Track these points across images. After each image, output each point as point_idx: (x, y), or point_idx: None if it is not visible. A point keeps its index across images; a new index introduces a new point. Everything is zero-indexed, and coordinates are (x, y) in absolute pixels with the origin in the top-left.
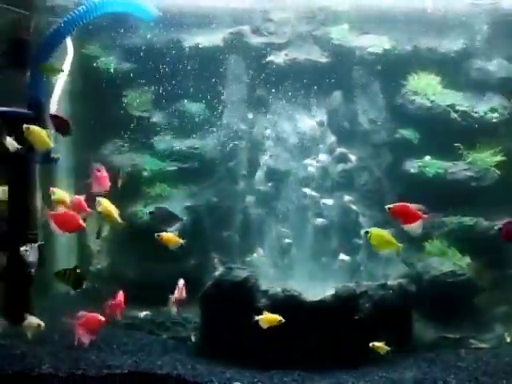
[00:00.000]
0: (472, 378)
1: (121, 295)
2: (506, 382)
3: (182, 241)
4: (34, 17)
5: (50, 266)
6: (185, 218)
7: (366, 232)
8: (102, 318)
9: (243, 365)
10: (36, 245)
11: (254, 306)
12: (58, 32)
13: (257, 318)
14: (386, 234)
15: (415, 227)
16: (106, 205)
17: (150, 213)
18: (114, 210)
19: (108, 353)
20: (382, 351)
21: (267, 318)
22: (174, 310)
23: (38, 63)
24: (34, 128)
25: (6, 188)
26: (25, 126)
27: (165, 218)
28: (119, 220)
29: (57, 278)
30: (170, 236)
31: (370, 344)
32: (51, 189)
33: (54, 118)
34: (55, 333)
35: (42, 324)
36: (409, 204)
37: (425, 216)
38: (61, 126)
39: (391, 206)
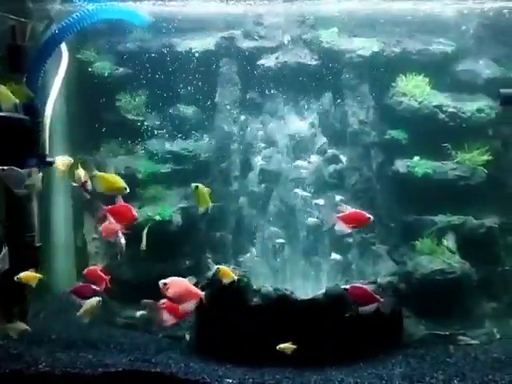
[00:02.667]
0: (459, 373)
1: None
2: (492, 377)
3: (40, 276)
4: (31, 23)
5: (48, 268)
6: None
7: (196, 187)
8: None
9: (236, 362)
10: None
11: (247, 305)
12: (52, 39)
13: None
14: (207, 192)
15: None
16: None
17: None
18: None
19: (105, 352)
20: (288, 351)
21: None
22: None
23: (33, 69)
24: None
25: None
26: None
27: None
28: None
29: None
30: (29, 275)
31: (277, 347)
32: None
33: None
34: (52, 332)
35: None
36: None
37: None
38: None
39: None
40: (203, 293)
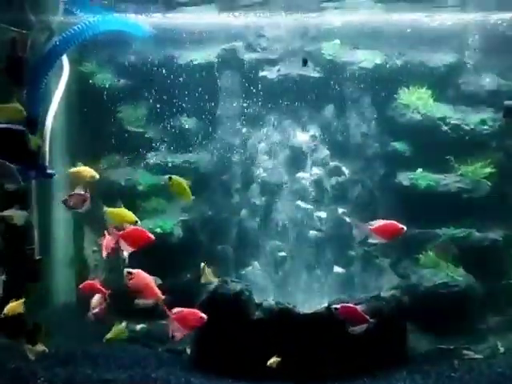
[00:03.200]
0: None
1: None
2: None
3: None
4: (31, 35)
5: (48, 281)
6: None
7: (170, 178)
8: (204, 316)
9: (237, 377)
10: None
11: (249, 319)
12: (53, 50)
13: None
14: (184, 182)
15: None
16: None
17: None
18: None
19: (104, 367)
20: (275, 364)
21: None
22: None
23: (34, 81)
24: None
25: None
26: None
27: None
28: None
29: None
30: (13, 305)
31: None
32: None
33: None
34: (51, 346)
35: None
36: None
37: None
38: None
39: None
40: (163, 296)
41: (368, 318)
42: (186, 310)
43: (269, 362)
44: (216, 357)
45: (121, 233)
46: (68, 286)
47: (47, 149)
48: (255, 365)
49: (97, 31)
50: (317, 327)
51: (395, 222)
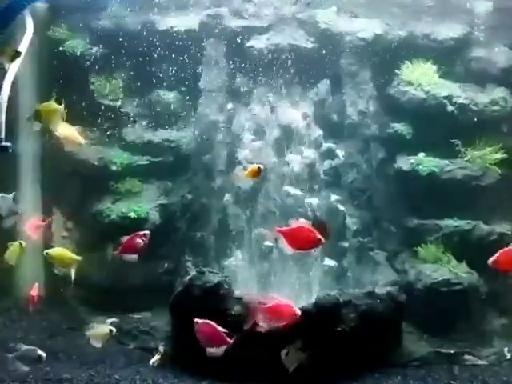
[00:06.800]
0: None
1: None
2: None
3: None
4: None
5: (10, 268)
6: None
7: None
8: (298, 312)
9: (212, 378)
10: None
11: (227, 314)
12: (8, 9)
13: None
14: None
15: None
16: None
17: None
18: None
19: (65, 364)
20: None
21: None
22: None
23: None
24: None
25: None
26: None
27: None
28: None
29: None
30: None
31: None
32: None
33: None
34: (9, 340)
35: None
36: None
37: None
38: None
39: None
40: None
41: (228, 340)
42: (280, 301)
43: (152, 361)
44: (190, 355)
45: (267, 306)
46: (33, 274)
47: (3, 119)
48: (233, 365)
49: None
50: (303, 326)
51: None
